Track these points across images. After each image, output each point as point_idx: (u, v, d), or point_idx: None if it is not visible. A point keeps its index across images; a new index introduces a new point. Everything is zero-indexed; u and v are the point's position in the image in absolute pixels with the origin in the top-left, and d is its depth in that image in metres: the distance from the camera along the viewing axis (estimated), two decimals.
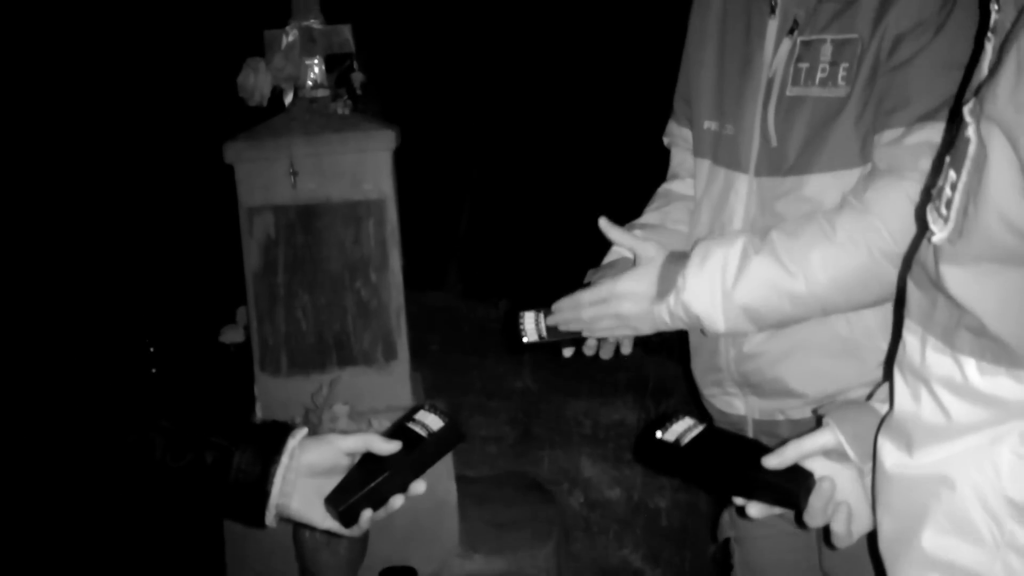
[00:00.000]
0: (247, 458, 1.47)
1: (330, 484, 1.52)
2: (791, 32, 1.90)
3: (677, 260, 1.87)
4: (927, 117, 1.72)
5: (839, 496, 1.41)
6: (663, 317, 1.86)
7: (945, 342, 1.09)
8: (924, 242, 1.14)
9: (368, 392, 3.30)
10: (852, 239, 1.73)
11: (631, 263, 2.01)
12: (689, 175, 2.23)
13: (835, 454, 1.43)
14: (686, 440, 1.53)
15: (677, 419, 1.58)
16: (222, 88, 3.41)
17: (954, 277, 1.05)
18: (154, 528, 3.35)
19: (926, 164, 1.67)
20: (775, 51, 1.92)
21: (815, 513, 1.41)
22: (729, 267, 1.80)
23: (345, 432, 2.90)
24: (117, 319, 5.31)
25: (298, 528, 2.96)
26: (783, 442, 1.47)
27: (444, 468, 3.36)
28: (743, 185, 1.99)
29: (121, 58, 9.93)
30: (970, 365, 1.06)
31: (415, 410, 1.63)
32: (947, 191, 1.07)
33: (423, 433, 1.56)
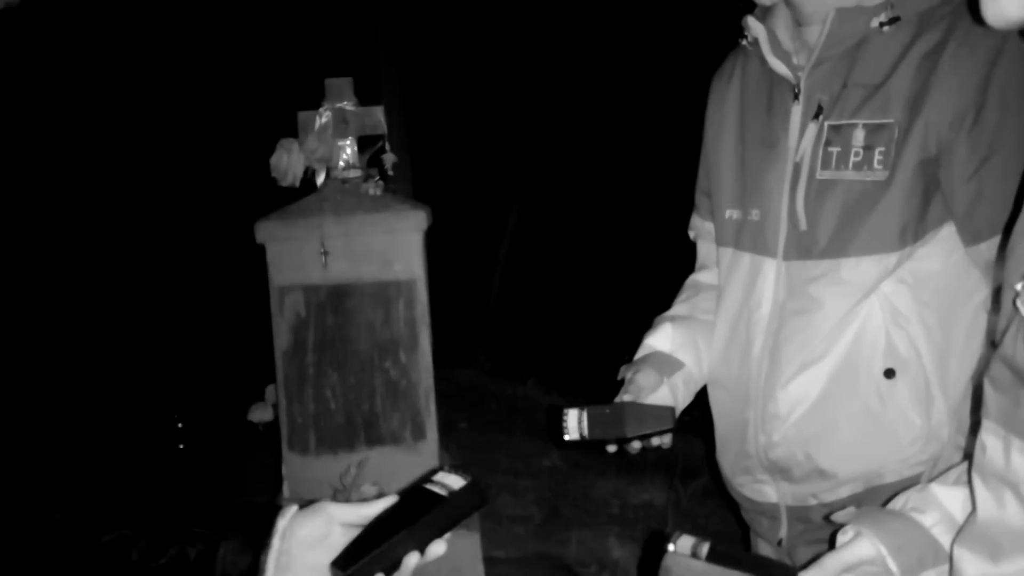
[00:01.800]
0: (234, 547, 1.37)
1: (328, 556, 1.39)
2: (816, 116, 1.89)
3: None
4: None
5: None
6: None
7: None
8: (1009, 337, 1.09)
9: (397, 472, 3.28)
10: None
11: (663, 359, 2.06)
12: (715, 265, 2.22)
13: (867, 568, 1.36)
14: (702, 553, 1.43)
15: (678, 536, 1.48)
16: (255, 168, 3.45)
17: None
18: None
19: None
20: (800, 136, 1.92)
21: None
22: None
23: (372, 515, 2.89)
24: (147, 395, 5.33)
25: None
26: (815, 557, 1.40)
27: (472, 549, 3.33)
28: (771, 269, 1.97)
29: (159, 137, 10.09)
30: None
31: (434, 472, 1.51)
32: None
33: (443, 492, 1.44)
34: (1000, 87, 1.70)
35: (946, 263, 1.84)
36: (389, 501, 1.42)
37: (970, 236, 1.79)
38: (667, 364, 2.13)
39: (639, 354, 2.19)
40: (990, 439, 1.11)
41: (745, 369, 2.03)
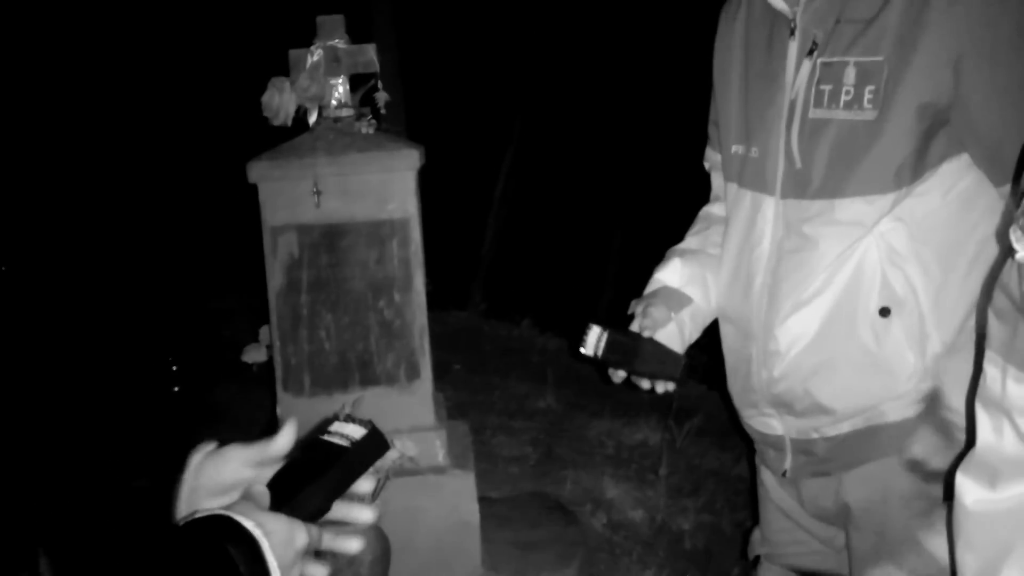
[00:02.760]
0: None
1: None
2: (810, 53, 1.89)
3: None
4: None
5: None
6: None
7: None
8: (1007, 266, 1.11)
9: (391, 412, 3.28)
10: None
11: (672, 294, 2.13)
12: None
13: None
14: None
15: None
16: (247, 107, 3.42)
17: None
18: None
19: None
20: (796, 72, 1.92)
21: None
22: None
23: None
24: (141, 339, 5.33)
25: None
26: None
27: (466, 489, 3.34)
28: (770, 207, 1.99)
29: (149, 77, 10.01)
30: None
31: (329, 422, 1.45)
32: None
33: (344, 443, 1.39)
34: (998, 25, 1.68)
35: (945, 199, 1.83)
36: (288, 435, 1.35)
37: (1000, 176, 1.77)
38: (675, 299, 2.17)
39: (648, 288, 2.23)
40: (990, 368, 1.13)
41: (747, 305, 2.05)
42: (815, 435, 2.02)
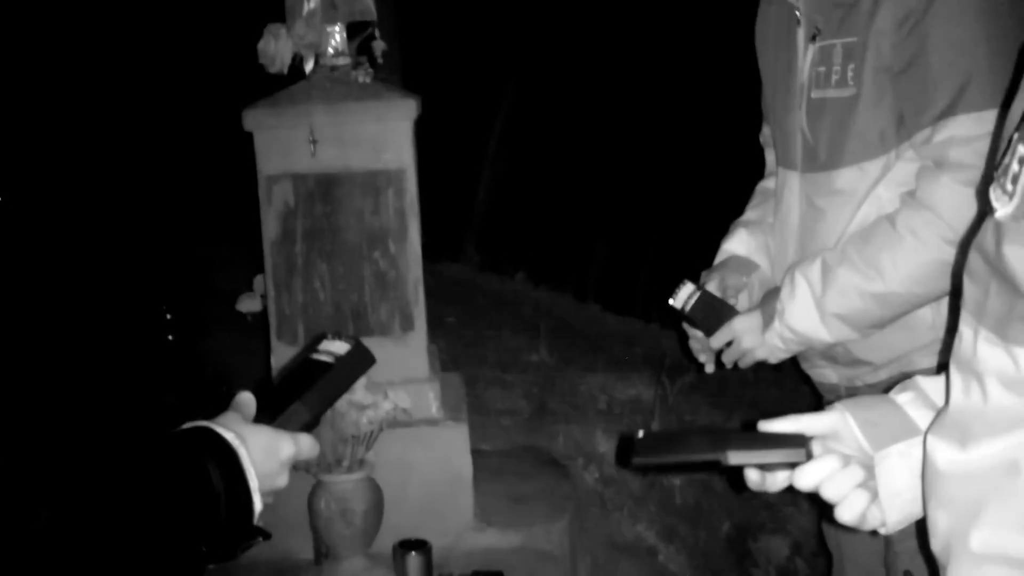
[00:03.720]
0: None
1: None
2: (813, 39, 2.09)
3: (773, 291, 2.16)
4: (946, 113, 1.89)
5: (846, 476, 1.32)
6: (776, 343, 2.15)
7: (998, 333, 1.05)
8: (983, 225, 1.10)
9: (385, 363, 3.24)
10: (915, 234, 1.92)
11: (741, 262, 2.33)
12: None
13: (834, 444, 1.35)
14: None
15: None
16: (243, 54, 3.39)
17: (1017, 258, 1.01)
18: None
19: (958, 156, 1.84)
20: (804, 57, 2.13)
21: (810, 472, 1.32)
22: (814, 283, 2.04)
23: (361, 403, 2.90)
24: (134, 287, 5.31)
25: (312, 500, 2.96)
26: None
27: (459, 441, 3.35)
28: (795, 181, 2.21)
29: (142, 23, 9.90)
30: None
31: (317, 340, 1.53)
32: (1014, 166, 1.04)
33: (329, 360, 1.46)
34: None
35: None
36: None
37: (908, 130, 1.99)
38: (746, 266, 2.37)
39: (718, 259, 2.43)
40: (964, 329, 1.14)
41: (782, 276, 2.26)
42: (859, 383, 2.22)
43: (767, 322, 2.11)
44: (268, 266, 3.33)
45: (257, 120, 3.25)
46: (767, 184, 2.52)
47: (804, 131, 2.13)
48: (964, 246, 1.25)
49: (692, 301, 2.17)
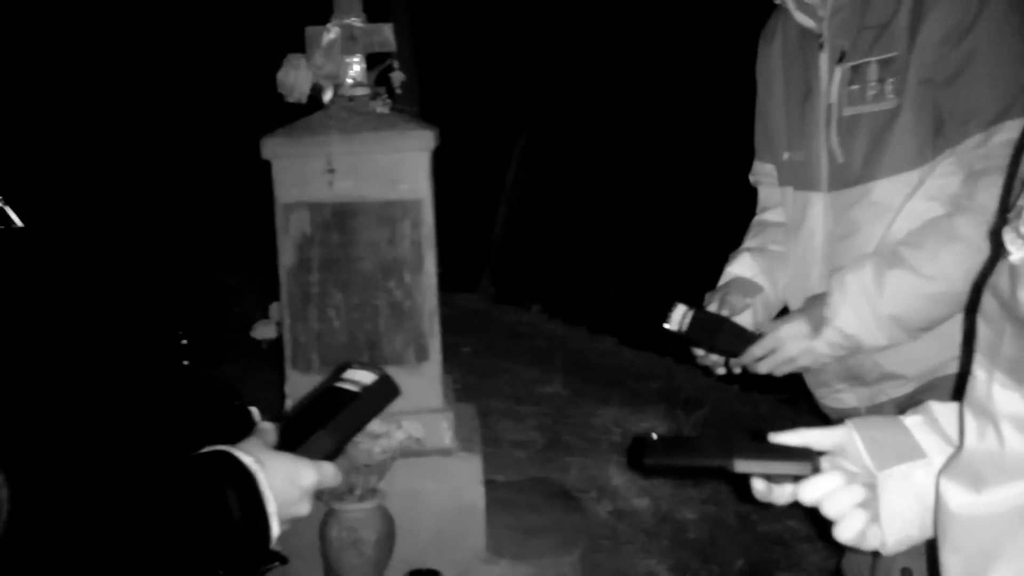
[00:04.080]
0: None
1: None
2: (840, 61, 2.12)
3: (818, 298, 2.14)
4: (1000, 118, 1.93)
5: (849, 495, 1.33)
6: (823, 349, 2.12)
7: (1013, 377, 1.04)
8: (998, 267, 1.09)
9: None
10: (976, 236, 1.92)
11: (745, 284, 2.36)
12: (776, 205, 2.48)
13: (841, 460, 1.36)
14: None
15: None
16: (262, 84, 3.42)
17: None
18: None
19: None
20: (829, 80, 2.15)
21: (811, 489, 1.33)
22: (868, 287, 2.04)
23: (374, 433, 2.90)
24: (151, 312, 5.33)
25: (324, 529, 2.95)
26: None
27: (472, 472, 3.34)
28: (819, 202, 2.22)
29: (166, 51, 9.99)
30: None
31: (342, 369, 1.49)
32: None
33: (355, 389, 1.43)
34: (982, 7, 1.93)
35: None
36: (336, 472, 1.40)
37: (955, 137, 2.01)
38: (750, 287, 2.38)
39: (721, 282, 2.44)
40: (979, 371, 1.12)
41: (808, 294, 2.25)
42: (884, 398, 2.21)
43: (816, 328, 2.11)
44: (284, 294, 3.34)
45: (275, 149, 3.27)
46: (764, 217, 2.55)
47: (834, 150, 2.15)
48: (978, 286, 1.24)
49: (687, 321, 2.18)
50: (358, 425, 1.45)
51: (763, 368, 2.20)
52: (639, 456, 1.52)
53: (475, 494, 3.36)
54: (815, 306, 2.13)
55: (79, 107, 8.87)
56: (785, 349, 2.14)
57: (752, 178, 2.59)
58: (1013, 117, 1.91)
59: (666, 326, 2.19)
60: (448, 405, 3.43)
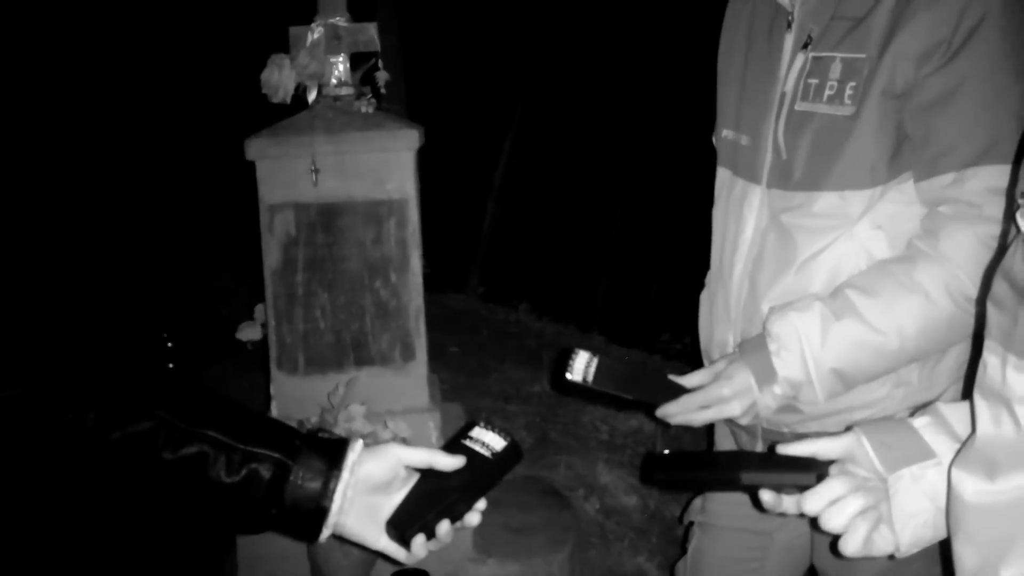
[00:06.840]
0: (306, 474, 1.37)
1: (387, 500, 1.42)
2: (805, 47, 1.91)
3: (757, 347, 1.89)
4: (978, 161, 1.72)
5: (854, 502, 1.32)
6: (768, 402, 1.88)
7: None
8: (1008, 253, 1.09)
9: (385, 393, 3.28)
10: (936, 290, 1.75)
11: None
12: None
13: (852, 467, 1.36)
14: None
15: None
16: (246, 84, 3.41)
17: None
18: (164, 529, 3.34)
19: (992, 210, 1.69)
20: (790, 66, 1.93)
21: (816, 499, 1.33)
22: (812, 338, 1.82)
23: (360, 432, 2.89)
24: (136, 315, 5.31)
25: None
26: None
27: None
28: (756, 196, 2.00)
29: (148, 52, 9.96)
30: None
31: (470, 426, 1.50)
32: None
33: (487, 454, 1.44)
34: (973, 29, 1.70)
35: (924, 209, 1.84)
36: (447, 457, 1.43)
37: (922, 170, 1.80)
38: None
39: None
40: (990, 357, 1.11)
41: (727, 291, 2.07)
42: (785, 430, 2.01)
43: (762, 382, 1.86)
44: (269, 295, 3.33)
45: (259, 149, 3.26)
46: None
47: (779, 144, 1.93)
48: (987, 277, 1.23)
49: (592, 370, 1.83)
50: (485, 490, 1.46)
51: (696, 422, 1.91)
52: (651, 471, 1.54)
53: None
54: (756, 354, 1.89)
55: (61, 109, 8.83)
56: (729, 407, 1.87)
57: (714, 140, 2.31)
58: (992, 162, 1.71)
59: (568, 376, 1.83)
60: (435, 405, 3.42)
